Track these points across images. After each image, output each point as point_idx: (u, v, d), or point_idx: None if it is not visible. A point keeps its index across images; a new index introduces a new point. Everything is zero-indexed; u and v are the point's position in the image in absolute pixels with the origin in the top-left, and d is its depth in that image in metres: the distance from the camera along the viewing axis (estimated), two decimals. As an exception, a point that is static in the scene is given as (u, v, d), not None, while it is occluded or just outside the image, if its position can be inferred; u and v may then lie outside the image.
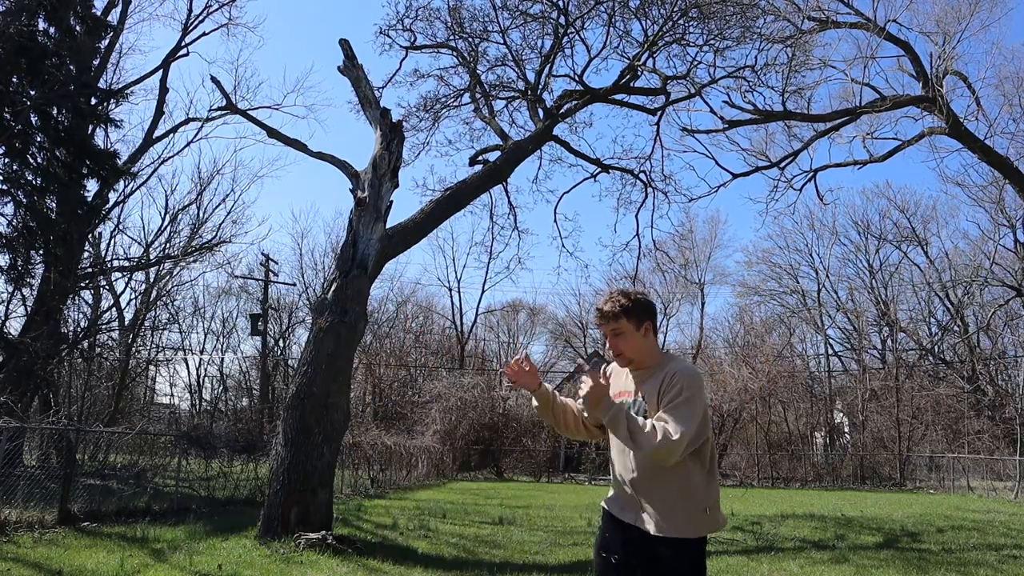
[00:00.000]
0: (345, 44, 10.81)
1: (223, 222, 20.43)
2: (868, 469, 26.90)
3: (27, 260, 14.32)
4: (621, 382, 2.68)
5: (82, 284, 16.74)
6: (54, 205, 15.23)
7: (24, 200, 14.29)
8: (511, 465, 27.32)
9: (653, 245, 15.78)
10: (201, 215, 19.72)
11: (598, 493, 18.87)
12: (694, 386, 2.40)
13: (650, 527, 2.40)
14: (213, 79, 12.01)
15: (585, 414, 2.75)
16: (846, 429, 31.88)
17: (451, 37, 13.90)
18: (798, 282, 38.09)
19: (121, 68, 20.25)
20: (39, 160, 14.83)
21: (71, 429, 10.29)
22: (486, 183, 11.86)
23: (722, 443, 28.88)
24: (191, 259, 19.36)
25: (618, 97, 14.00)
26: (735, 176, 15.02)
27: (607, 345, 2.63)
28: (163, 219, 19.15)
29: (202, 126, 19.02)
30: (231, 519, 9.82)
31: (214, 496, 12.04)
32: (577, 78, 13.49)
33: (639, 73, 13.57)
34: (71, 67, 15.40)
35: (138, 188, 18.68)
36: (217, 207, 21.63)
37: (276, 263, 30.97)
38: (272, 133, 11.39)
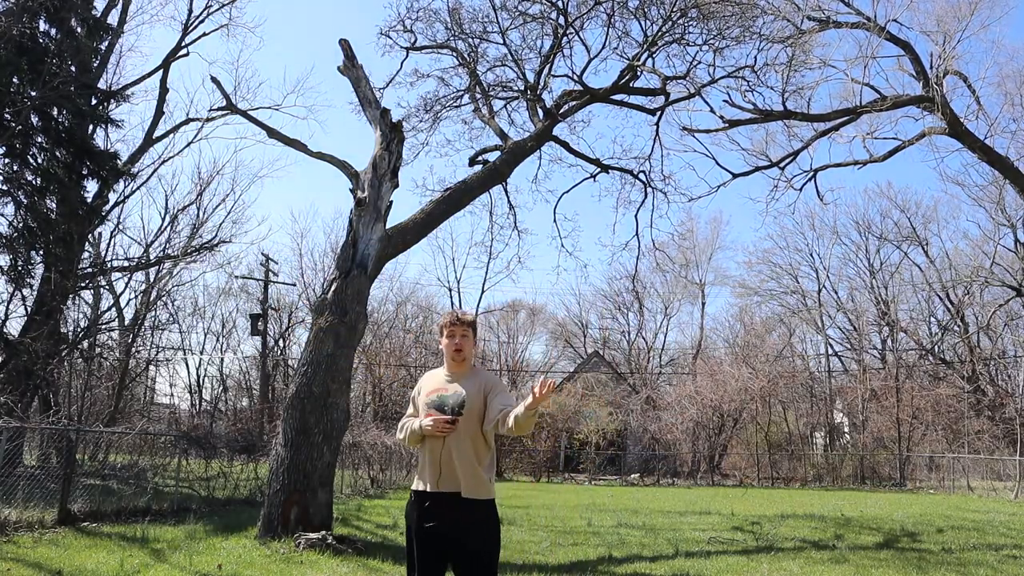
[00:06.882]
0: (345, 44, 10.82)
1: (223, 222, 20.38)
2: (868, 469, 26.90)
3: (27, 260, 14.30)
4: (434, 383, 3.39)
5: (82, 284, 16.70)
6: (54, 205, 15.20)
7: (24, 200, 14.27)
8: (511, 465, 27.32)
9: (653, 245, 15.88)
10: (201, 215, 19.68)
11: (598, 493, 18.88)
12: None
13: None
14: (213, 79, 11.98)
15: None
16: (846, 429, 31.89)
17: (451, 38, 13.93)
18: (798, 282, 38.07)
19: (121, 69, 20.14)
20: (39, 160, 14.82)
21: (71, 429, 10.28)
22: (486, 183, 11.87)
23: (722, 443, 28.91)
24: (191, 259, 19.31)
25: (618, 97, 14.02)
26: (735, 176, 15.03)
27: (456, 342, 3.40)
28: (163, 219, 19.06)
29: (202, 126, 18.97)
30: (231, 519, 9.82)
31: (214, 496, 12.04)
32: (576, 78, 13.51)
33: (639, 73, 13.59)
34: (72, 68, 15.39)
35: (138, 188, 18.62)
36: (217, 207, 21.62)
37: (276, 263, 31.00)
38: (272, 133, 11.38)
